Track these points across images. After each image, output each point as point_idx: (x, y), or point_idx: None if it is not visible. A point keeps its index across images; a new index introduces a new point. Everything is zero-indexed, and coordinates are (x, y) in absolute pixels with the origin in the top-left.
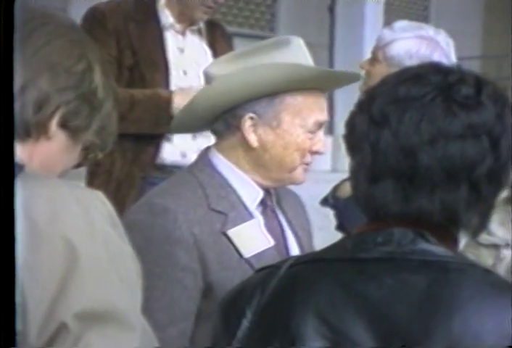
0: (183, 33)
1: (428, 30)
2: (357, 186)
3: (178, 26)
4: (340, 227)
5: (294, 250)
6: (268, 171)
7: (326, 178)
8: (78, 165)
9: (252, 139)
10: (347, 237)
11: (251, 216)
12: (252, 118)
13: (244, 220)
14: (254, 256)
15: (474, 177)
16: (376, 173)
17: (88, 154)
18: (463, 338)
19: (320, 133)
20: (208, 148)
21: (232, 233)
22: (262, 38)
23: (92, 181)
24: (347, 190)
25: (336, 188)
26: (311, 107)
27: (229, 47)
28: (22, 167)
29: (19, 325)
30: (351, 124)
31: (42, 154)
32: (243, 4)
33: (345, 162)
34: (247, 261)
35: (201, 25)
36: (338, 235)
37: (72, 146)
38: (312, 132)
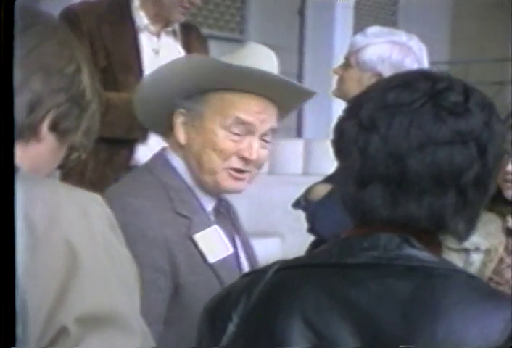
0: (157, 35)
1: (401, 36)
2: (345, 190)
3: (152, 28)
4: (311, 230)
5: (243, 258)
6: (196, 172)
7: (297, 181)
8: (61, 166)
9: (181, 136)
10: (333, 242)
11: (211, 222)
12: (182, 114)
13: (206, 226)
14: (218, 262)
15: (462, 183)
16: (365, 178)
17: (71, 154)
18: (447, 344)
19: (251, 139)
20: (164, 148)
21: (197, 237)
22: (232, 40)
23: (65, 182)
24: (318, 193)
25: (308, 191)
26: (234, 105)
27: (204, 49)
28: (17, 168)
29: (18, 329)
30: (339, 129)
31: (32, 156)
32: (213, 6)
33: (316, 166)
34: (212, 267)
35: (176, 26)
36: (309, 238)
37: (60, 147)
38: (238, 134)
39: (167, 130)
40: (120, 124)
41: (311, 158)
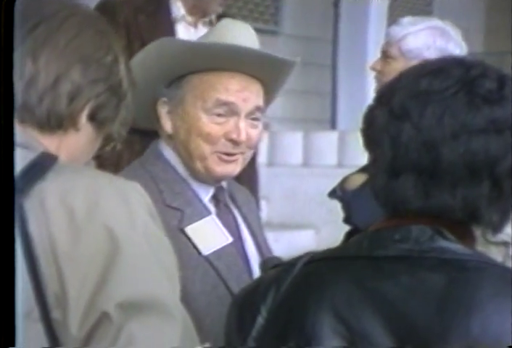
0: (195, 25)
1: (437, 21)
2: (377, 181)
3: (189, 18)
4: (347, 219)
5: (250, 247)
6: (186, 161)
7: (332, 173)
8: (96, 156)
9: (167, 126)
10: (363, 234)
11: (208, 212)
12: (165, 103)
13: (200, 216)
14: (214, 253)
15: (496, 173)
16: (396, 168)
17: (106, 144)
18: (482, 339)
19: (237, 120)
20: (158, 140)
21: (190, 229)
22: (266, 31)
23: None
24: (354, 182)
25: (344, 181)
26: (213, 86)
27: None
28: (55, 158)
29: (57, 315)
30: (370, 118)
31: (69, 146)
32: None
33: (351, 157)
34: (206, 258)
35: (213, 17)
36: (343, 231)
37: (97, 137)
38: (222, 116)
39: (156, 122)
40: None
41: (345, 150)
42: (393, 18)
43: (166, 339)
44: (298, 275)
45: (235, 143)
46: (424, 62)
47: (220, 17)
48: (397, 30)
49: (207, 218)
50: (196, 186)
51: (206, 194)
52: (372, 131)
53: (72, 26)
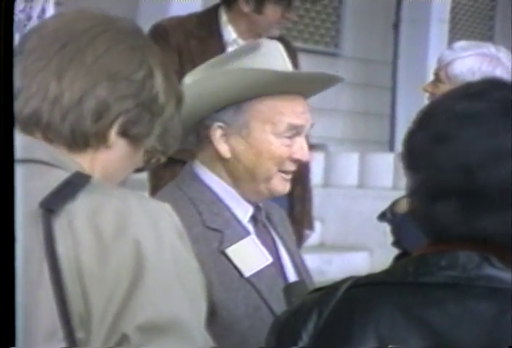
0: None
1: (490, 48)
2: (417, 206)
3: (241, 41)
4: (396, 243)
5: (289, 267)
6: (244, 183)
7: (387, 195)
8: (140, 169)
9: (224, 150)
10: (408, 259)
11: (246, 232)
12: (220, 128)
13: (240, 237)
14: (255, 274)
15: None
16: (436, 193)
17: (150, 158)
18: None
19: (300, 139)
20: (192, 162)
21: (230, 251)
22: (327, 53)
23: (154, 193)
24: (404, 206)
25: (394, 204)
26: (282, 111)
27: (295, 62)
28: (88, 177)
29: (81, 335)
30: (409, 141)
31: (103, 163)
32: (309, 20)
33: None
34: (248, 280)
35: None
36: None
37: (134, 152)
38: (289, 137)
39: (196, 145)
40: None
41: (402, 172)
42: (454, 41)
43: None
44: (341, 300)
45: (297, 162)
46: (465, 85)
47: (273, 38)
48: (448, 54)
49: (247, 239)
50: (234, 207)
51: (245, 214)
52: (411, 155)
53: (101, 43)
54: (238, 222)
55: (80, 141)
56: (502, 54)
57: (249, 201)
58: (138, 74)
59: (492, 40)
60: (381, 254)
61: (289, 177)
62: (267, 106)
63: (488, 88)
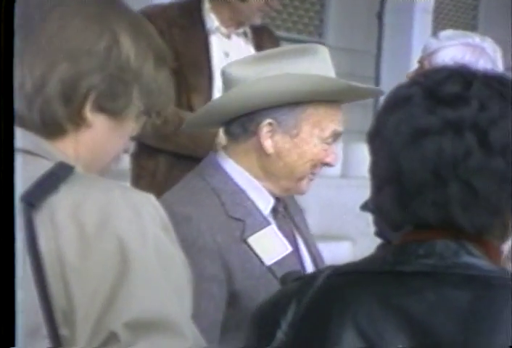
0: (228, 36)
1: (474, 38)
2: (371, 197)
3: (223, 29)
4: (379, 233)
5: (306, 257)
6: (278, 179)
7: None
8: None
9: (268, 145)
10: (386, 248)
11: (267, 222)
12: (270, 124)
13: (261, 227)
14: (276, 263)
15: (461, 173)
16: (378, 182)
17: (144, 121)
18: None
19: (335, 146)
20: (216, 152)
21: (252, 240)
22: (310, 43)
23: (137, 183)
24: None
25: None
26: (331, 119)
27: None
28: (71, 168)
29: (65, 332)
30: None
31: (88, 144)
32: (292, 9)
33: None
34: (269, 269)
35: (247, 27)
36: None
37: (119, 125)
38: (329, 143)
39: (233, 135)
40: (188, 145)
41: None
42: (437, 31)
43: None
44: (320, 289)
45: (327, 165)
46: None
47: (255, 26)
48: (432, 43)
49: (268, 228)
50: (255, 198)
51: (266, 206)
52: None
53: (53, 20)
54: (260, 212)
55: (53, 127)
56: (487, 44)
57: (271, 194)
58: (99, 45)
59: (475, 30)
60: (364, 243)
61: (313, 178)
62: (320, 112)
63: (430, 75)
